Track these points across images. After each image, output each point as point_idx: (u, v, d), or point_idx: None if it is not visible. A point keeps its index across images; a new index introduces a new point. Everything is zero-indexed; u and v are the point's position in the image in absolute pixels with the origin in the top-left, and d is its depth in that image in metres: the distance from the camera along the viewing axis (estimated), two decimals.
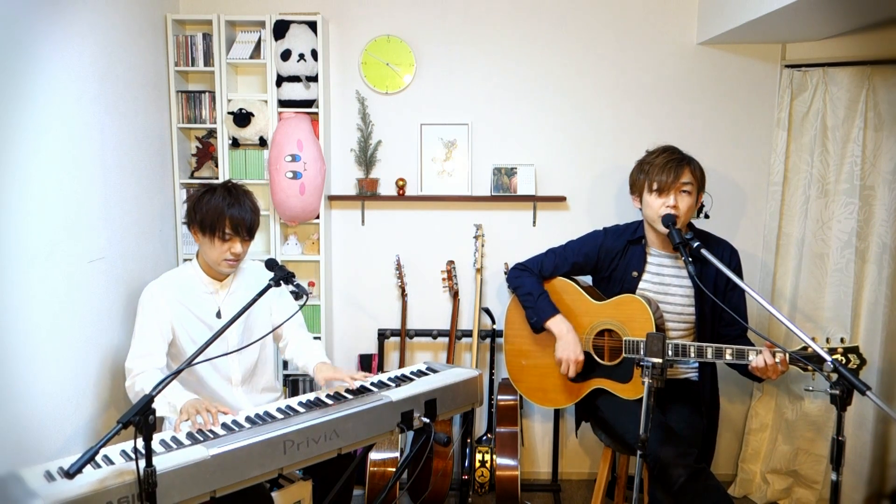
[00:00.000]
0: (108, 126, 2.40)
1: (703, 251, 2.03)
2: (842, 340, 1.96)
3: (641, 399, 1.84)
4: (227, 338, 2.21)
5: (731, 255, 2.38)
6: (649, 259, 2.41)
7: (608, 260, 2.47)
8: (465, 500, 2.95)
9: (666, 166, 2.29)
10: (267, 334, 2.27)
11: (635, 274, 2.40)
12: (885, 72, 2.77)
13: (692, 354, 2.14)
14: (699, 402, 2.40)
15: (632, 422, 2.20)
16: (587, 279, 2.61)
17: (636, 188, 2.40)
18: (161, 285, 2.22)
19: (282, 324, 2.29)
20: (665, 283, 2.38)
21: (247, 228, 2.17)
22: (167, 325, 2.19)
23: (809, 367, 1.90)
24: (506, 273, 2.86)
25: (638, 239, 2.44)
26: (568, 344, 2.37)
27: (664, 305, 2.36)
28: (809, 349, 1.90)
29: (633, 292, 2.37)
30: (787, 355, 1.99)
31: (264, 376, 2.38)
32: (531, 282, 2.51)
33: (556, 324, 2.42)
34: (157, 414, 2.05)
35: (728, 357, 2.10)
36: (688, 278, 2.34)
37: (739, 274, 2.36)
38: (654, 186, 2.29)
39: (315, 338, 3.02)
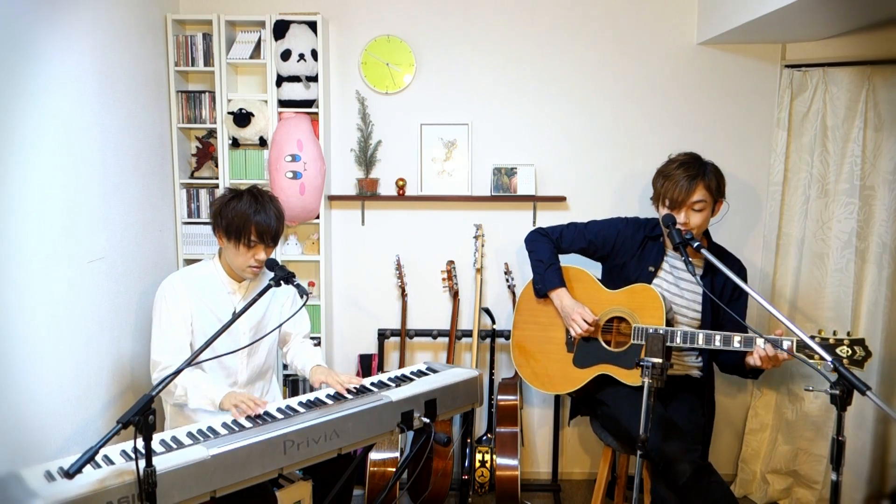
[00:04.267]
0: (109, 126, 2.40)
1: (703, 251, 2.03)
2: (848, 334, 1.96)
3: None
4: (239, 341, 2.23)
5: (739, 270, 2.39)
6: (665, 259, 2.43)
7: (623, 248, 2.48)
8: (465, 500, 2.95)
9: (678, 183, 2.27)
10: (275, 329, 2.30)
11: (652, 269, 2.42)
12: (885, 72, 2.77)
13: (700, 342, 2.15)
14: (701, 398, 2.41)
15: (637, 415, 2.20)
16: (597, 273, 2.62)
17: (656, 197, 2.40)
18: (183, 280, 2.22)
19: (288, 319, 2.30)
20: (678, 285, 2.40)
21: (272, 236, 2.17)
22: (189, 319, 2.19)
23: (816, 356, 1.89)
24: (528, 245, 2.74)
25: (656, 236, 2.46)
26: (570, 308, 2.43)
27: (674, 306, 2.39)
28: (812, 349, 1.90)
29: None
30: (795, 344, 1.99)
31: (269, 382, 2.40)
32: (546, 249, 2.56)
33: (558, 296, 2.48)
34: (192, 406, 2.06)
35: (736, 344, 2.11)
36: (698, 286, 2.35)
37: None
38: (667, 203, 2.31)
39: (315, 338, 3.04)
